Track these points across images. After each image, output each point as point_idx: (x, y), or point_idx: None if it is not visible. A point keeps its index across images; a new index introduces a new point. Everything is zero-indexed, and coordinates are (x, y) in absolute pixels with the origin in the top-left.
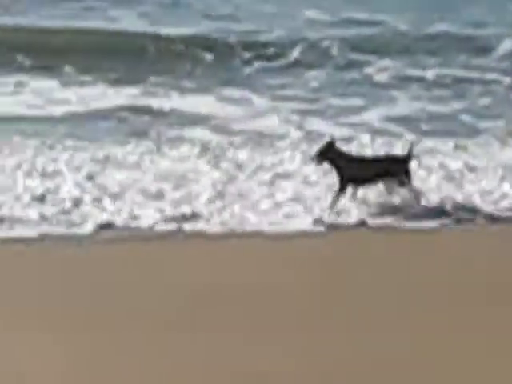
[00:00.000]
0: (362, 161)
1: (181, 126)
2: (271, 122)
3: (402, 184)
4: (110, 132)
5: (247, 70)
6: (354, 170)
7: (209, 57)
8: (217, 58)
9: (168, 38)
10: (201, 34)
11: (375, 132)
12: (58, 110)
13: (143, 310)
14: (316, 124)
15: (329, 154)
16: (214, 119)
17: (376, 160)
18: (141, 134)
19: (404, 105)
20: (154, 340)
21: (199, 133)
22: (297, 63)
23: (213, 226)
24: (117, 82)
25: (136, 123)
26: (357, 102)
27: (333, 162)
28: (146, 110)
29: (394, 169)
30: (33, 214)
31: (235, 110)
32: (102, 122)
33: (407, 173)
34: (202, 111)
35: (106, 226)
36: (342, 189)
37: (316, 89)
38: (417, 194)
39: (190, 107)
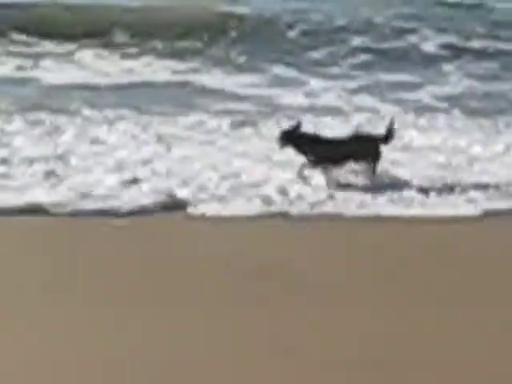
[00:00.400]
0: (328, 142)
1: None
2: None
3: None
4: None
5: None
6: (319, 153)
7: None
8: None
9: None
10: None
11: (422, 109)
12: None
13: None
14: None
15: (294, 136)
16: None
17: (344, 141)
18: None
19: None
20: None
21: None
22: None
23: None
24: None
25: None
26: (405, 77)
27: (297, 145)
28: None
29: (362, 151)
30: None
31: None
32: None
33: (377, 155)
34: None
35: None
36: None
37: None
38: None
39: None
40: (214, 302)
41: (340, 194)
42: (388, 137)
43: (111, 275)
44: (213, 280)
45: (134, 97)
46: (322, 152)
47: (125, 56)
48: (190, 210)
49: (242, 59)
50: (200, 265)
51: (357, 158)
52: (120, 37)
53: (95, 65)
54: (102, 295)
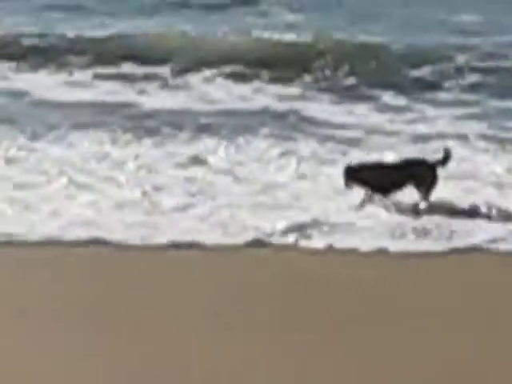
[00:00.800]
0: (386, 168)
1: None
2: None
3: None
4: None
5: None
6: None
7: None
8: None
9: None
10: None
11: None
12: None
13: None
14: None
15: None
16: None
17: (402, 166)
18: None
19: None
20: None
21: None
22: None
23: None
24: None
25: None
26: None
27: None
28: None
29: (418, 175)
30: None
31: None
32: None
33: (433, 181)
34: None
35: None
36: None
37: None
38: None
39: None
40: None
41: None
42: (445, 160)
43: None
44: None
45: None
46: (382, 178)
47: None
48: None
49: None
50: None
51: (416, 181)
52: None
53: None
54: None
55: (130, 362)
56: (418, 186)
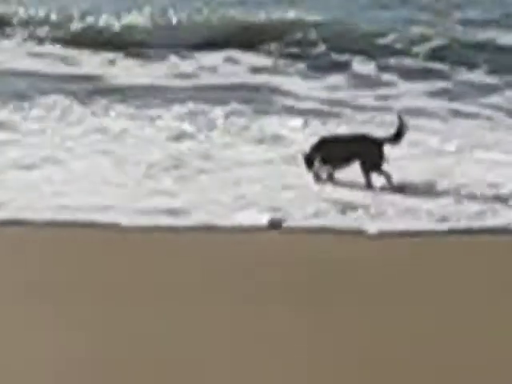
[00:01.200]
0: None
1: None
2: None
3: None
4: None
5: None
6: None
7: None
8: None
9: None
10: None
11: None
12: None
13: None
14: None
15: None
16: None
17: (347, 140)
18: None
19: None
20: None
21: None
22: None
23: None
24: None
25: None
26: None
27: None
28: None
29: (363, 152)
30: None
31: None
32: None
33: (376, 158)
34: None
35: None
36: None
37: None
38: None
39: None
40: None
41: None
42: (397, 136)
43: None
44: None
45: None
46: (331, 151)
47: None
48: None
49: None
50: None
51: (360, 158)
52: None
53: None
54: None
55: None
56: (361, 162)
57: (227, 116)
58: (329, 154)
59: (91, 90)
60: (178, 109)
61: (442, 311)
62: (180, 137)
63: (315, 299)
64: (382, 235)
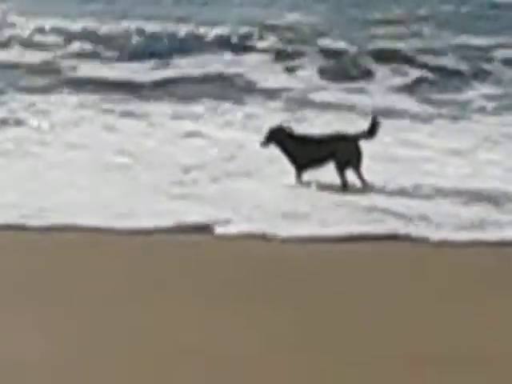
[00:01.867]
0: (311, 142)
1: None
2: None
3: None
4: None
5: None
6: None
7: None
8: None
9: None
10: None
11: None
12: None
13: None
14: None
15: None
16: None
17: (324, 140)
18: None
19: None
20: None
21: None
22: None
23: None
24: None
25: None
26: None
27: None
28: None
29: (338, 151)
30: None
31: None
32: None
33: (358, 155)
34: None
35: None
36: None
37: None
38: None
39: None
40: None
41: None
42: (371, 132)
43: None
44: None
45: None
46: (305, 152)
47: None
48: None
49: None
50: None
51: (335, 158)
52: None
53: None
54: None
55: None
56: (336, 162)
57: None
58: (302, 155)
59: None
60: None
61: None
62: None
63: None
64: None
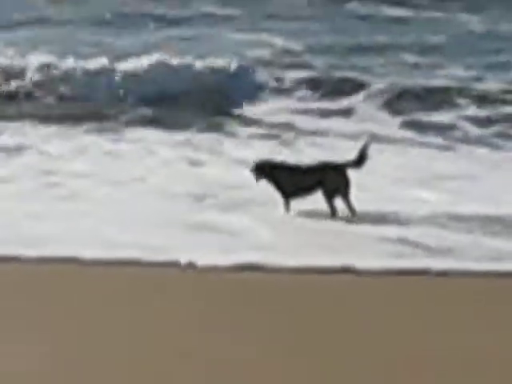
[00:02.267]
0: (299, 171)
1: None
2: None
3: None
4: None
5: None
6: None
7: None
8: None
9: None
10: None
11: None
12: None
13: None
14: None
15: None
16: None
17: (314, 169)
18: None
19: None
20: None
21: None
22: None
23: None
24: None
25: None
26: None
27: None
28: None
29: (326, 180)
30: None
31: None
32: None
33: (346, 183)
34: None
35: None
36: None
37: None
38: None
39: None
40: None
41: None
42: (359, 161)
43: None
44: None
45: None
46: (294, 181)
47: None
48: None
49: None
50: None
51: (323, 187)
52: None
53: None
54: None
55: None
56: (324, 190)
57: None
58: (289, 184)
59: None
60: None
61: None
62: None
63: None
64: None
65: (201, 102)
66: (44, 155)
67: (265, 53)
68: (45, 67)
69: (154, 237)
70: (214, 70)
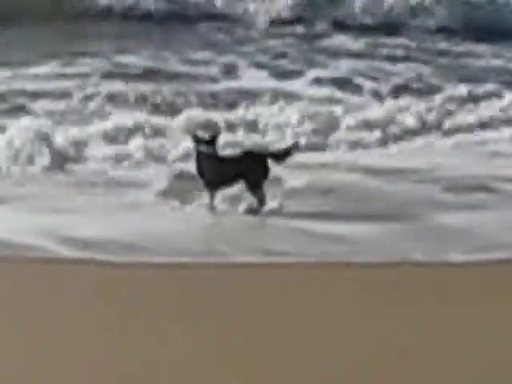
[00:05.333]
0: (222, 161)
1: None
2: None
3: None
4: None
5: None
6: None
7: None
8: None
9: None
10: None
11: None
12: None
13: None
14: None
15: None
16: None
17: (236, 159)
18: None
19: None
20: None
21: None
22: None
23: None
24: None
25: None
26: None
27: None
28: None
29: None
30: None
31: None
32: None
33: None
34: None
35: None
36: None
37: None
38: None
39: None
40: None
41: None
42: (283, 155)
43: None
44: None
45: None
46: (216, 171)
47: None
48: None
49: None
50: None
51: (247, 175)
52: None
53: None
54: None
55: None
56: (246, 181)
57: None
58: (212, 176)
59: None
60: None
61: None
62: None
63: None
64: None
65: None
66: None
67: None
68: None
69: None
70: None
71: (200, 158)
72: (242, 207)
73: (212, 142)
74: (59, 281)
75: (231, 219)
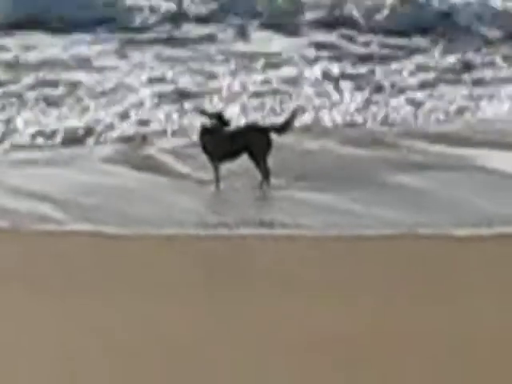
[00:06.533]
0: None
1: None
2: None
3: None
4: None
5: None
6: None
7: None
8: None
9: None
10: None
11: None
12: None
13: None
14: None
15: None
16: None
17: (239, 132)
18: None
19: None
20: None
21: None
22: None
23: None
24: None
25: None
26: None
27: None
28: None
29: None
30: None
31: None
32: None
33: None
34: None
35: None
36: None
37: None
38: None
39: None
40: None
41: None
42: (283, 128)
43: None
44: None
45: None
46: (220, 145)
47: None
48: None
49: None
50: None
51: (251, 148)
52: None
53: None
54: None
55: None
56: (250, 153)
57: None
58: (216, 149)
59: None
60: None
61: None
62: None
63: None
64: None
65: None
66: None
67: None
68: None
69: None
70: None
71: (203, 132)
72: (246, 180)
73: (218, 116)
74: (65, 252)
75: (235, 192)
